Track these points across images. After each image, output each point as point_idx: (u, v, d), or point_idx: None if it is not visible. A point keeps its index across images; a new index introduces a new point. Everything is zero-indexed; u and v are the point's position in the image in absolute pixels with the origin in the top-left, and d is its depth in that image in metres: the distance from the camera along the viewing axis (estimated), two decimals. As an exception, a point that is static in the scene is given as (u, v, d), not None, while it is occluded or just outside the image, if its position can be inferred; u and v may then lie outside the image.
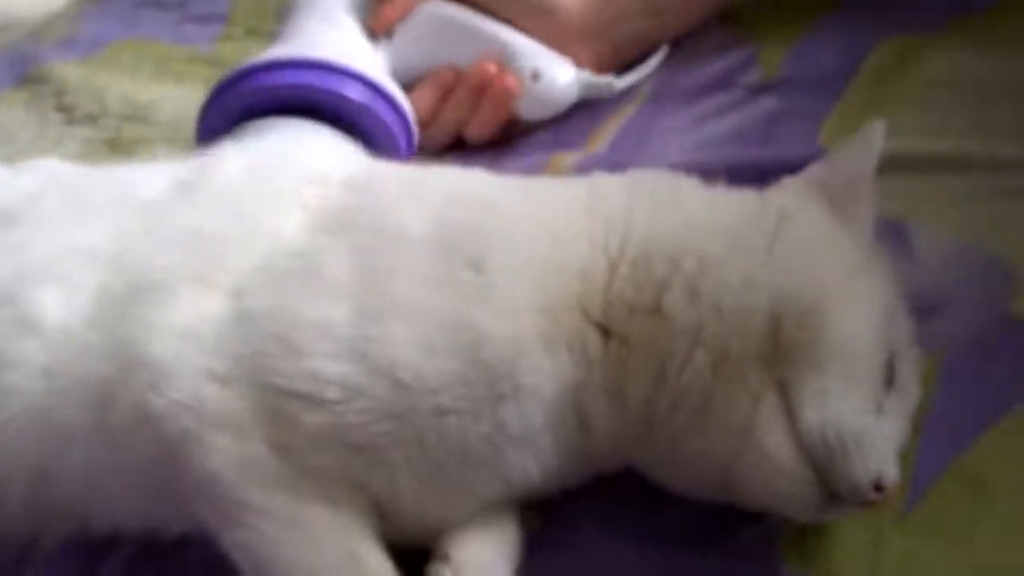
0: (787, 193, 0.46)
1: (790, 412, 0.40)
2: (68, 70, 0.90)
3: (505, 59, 0.71)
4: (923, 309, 0.46)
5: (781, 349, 0.40)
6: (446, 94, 0.73)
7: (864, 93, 0.64)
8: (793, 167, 0.49)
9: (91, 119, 0.84)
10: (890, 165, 0.50)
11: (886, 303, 0.43)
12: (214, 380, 0.40)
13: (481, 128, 0.73)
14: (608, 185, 0.47)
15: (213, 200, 0.47)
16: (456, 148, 0.74)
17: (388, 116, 0.68)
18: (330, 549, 0.40)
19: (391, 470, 0.41)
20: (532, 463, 0.42)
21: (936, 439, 0.43)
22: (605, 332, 0.42)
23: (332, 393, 0.40)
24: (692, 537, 0.43)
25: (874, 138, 0.47)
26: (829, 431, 0.39)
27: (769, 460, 0.40)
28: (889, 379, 0.42)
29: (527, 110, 0.72)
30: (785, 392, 0.40)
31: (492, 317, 0.41)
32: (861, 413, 0.40)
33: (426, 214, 0.44)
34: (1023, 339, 0.46)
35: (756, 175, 0.52)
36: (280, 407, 0.40)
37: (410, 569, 0.41)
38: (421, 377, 0.40)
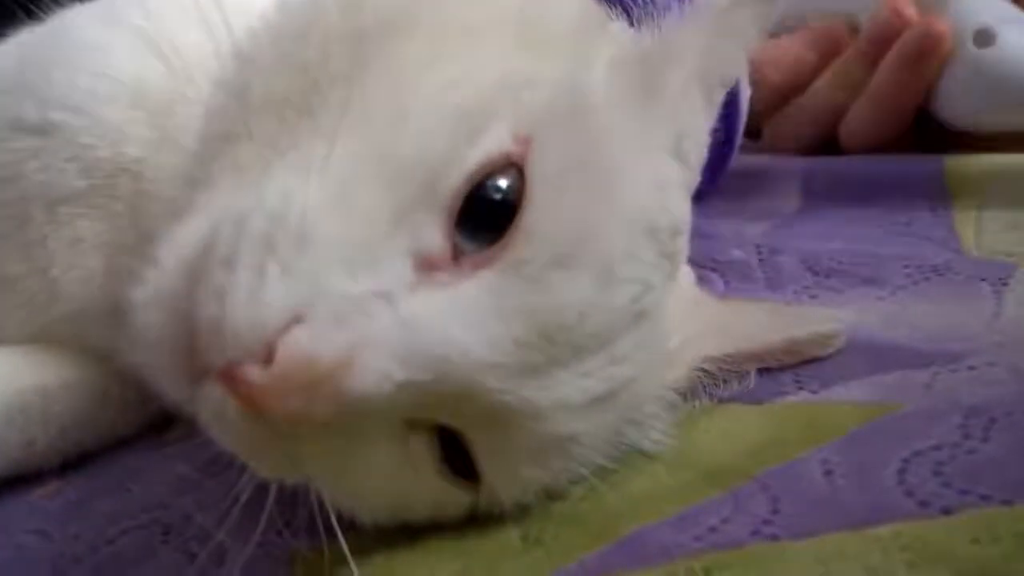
0: None
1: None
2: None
3: (937, 7, 0.44)
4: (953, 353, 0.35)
5: (317, 97, 0.29)
6: (827, 54, 0.47)
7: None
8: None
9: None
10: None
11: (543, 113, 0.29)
12: None
13: (872, 108, 0.44)
14: None
15: None
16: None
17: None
18: None
19: None
20: (73, 262, 0.36)
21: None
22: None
23: None
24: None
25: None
26: (238, 221, 0.26)
27: (158, 265, 0.27)
28: (470, 225, 0.27)
29: (957, 97, 0.43)
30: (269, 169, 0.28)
31: (100, 36, 0.37)
32: (342, 226, 0.26)
33: None
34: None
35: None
36: None
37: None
38: None
